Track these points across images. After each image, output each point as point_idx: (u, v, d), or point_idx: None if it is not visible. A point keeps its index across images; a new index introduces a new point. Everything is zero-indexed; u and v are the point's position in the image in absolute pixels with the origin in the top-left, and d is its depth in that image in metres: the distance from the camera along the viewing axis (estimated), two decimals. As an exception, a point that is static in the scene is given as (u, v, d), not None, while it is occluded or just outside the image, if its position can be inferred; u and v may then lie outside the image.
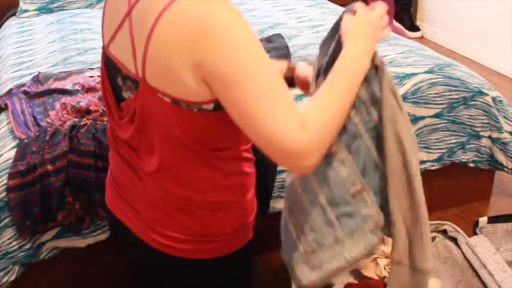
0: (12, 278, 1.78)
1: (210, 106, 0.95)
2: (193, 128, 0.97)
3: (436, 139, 2.23)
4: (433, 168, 2.27)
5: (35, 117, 1.85)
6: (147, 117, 0.99)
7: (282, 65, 1.33)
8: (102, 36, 1.10)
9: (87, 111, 1.84)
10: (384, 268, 1.91)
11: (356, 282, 1.95)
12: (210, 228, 1.09)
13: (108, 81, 1.09)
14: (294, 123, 0.89)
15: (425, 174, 2.28)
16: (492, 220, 2.08)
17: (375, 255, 1.98)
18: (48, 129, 1.78)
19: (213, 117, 0.96)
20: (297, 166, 0.93)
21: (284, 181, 2.05)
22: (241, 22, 0.90)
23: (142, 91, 0.96)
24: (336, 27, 1.15)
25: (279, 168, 2.02)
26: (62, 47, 2.55)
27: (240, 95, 0.88)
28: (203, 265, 1.12)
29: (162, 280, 1.19)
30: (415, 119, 2.16)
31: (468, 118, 2.25)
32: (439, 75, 2.21)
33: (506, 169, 2.31)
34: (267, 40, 2.48)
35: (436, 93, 2.18)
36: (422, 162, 2.25)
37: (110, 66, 1.07)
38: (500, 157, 2.28)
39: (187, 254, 1.10)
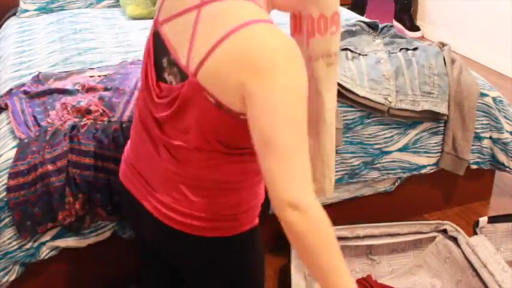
0: (12, 278, 1.78)
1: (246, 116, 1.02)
2: (226, 128, 1.05)
3: (435, 143, 2.23)
4: (432, 171, 2.27)
5: (35, 117, 1.85)
6: (187, 108, 1.06)
7: None
8: (158, 10, 1.12)
9: (87, 111, 1.84)
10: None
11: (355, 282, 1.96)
12: (223, 207, 1.15)
13: (153, 56, 1.13)
14: (305, 188, 0.95)
15: (426, 174, 2.28)
16: (492, 220, 2.08)
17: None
18: (49, 129, 1.78)
19: (243, 121, 1.03)
20: (281, 215, 0.96)
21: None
22: (301, 72, 0.97)
23: (190, 85, 1.03)
24: None
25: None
26: (61, 47, 2.55)
27: (271, 135, 0.94)
28: (215, 243, 1.17)
29: (172, 257, 1.23)
30: (414, 123, 2.16)
31: (468, 118, 2.25)
32: (439, 75, 2.21)
33: (508, 169, 2.30)
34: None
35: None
36: (423, 166, 2.25)
37: (158, 43, 1.12)
38: (502, 157, 2.28)
39: (191, 230, 1.15)
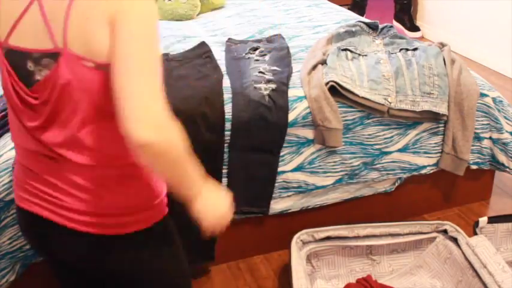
0: (12, 278, 1.78)
1: None
2: (108, 87, 1.02)
3: (435, 143, 2.23)
4: (432, 172, 2.27)
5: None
6: (69, 86, 1.04)
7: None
8: None
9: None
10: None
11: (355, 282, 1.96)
12: (130, 199, 1.14)
13: (14, 74, 1.11)
14: (158, 112, 0.98)
15: (425, 174, 2.28)
16: (492, 220, 2.08)
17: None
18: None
19: None
20: (133, 137, 0.97)
21: (284, 182, 2.05)
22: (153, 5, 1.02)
23: (65, 59, 1.03)
24: None
25: (279, 170, 2.02)
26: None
27: (130, 56, 0.98)
28: (130, 239, 1.15)
29: (97, 267, 1.19)
30: (414, 124, 2.16)
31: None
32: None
33: (508, 169, 2.30)
34: (268, 41, 2.48)
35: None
36: (423, 167, 2.25)
37: (14, 57, 1.10)
38: (502, 158, 2.28)
39: (111, 229, 1.13)
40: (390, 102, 2.07)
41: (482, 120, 2.25)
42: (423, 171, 2.25)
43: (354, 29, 2.42)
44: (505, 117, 2.27)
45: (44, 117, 1.10)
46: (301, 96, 2.04)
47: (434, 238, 2.03)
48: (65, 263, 1.23)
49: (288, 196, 2.09)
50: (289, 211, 2.12)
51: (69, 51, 1.02)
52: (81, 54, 1.02)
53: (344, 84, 2.03)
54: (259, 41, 2.50)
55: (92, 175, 1.11)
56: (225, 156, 1.95)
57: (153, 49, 1.00)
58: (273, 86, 2.02)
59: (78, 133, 1.08)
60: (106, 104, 1.04)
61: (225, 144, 1.95)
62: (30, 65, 1.09)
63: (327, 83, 2.03)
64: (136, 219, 1.15)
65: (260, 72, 2.11)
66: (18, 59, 1.10)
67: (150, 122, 0.96)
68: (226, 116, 1.94)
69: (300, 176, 2.06)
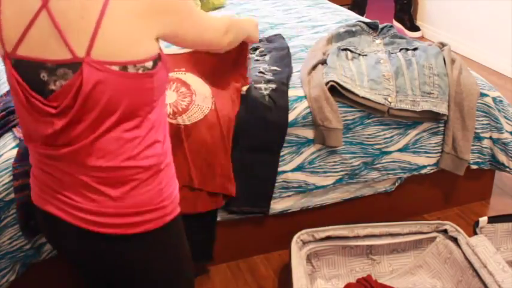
0: (12, 278, 1.78)
1: (150, 64, 1.09)
2: (135, 91, 1.08)
3: (435, 143, 2.23)
4: (432, 171, 2.27)
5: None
6: (94, 92, 1.04)
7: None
8: (3, 45, 1.09)
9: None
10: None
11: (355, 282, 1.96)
12: (139, 199, 1.14)
13: (25, 84, 1.09)
14: (221, 32, 1.39)
15: (426, 174, 2.28)
16: (492, 220, 2.08)
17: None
18: (49, 129, 1.79)
19: (149, 76, 1.09)
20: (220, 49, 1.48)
21: (284, 182, 2.05)
22: None
23: (88, 68, 1.03)
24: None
25: (279, 170, 2.02)
26: (62, 47, 2.55)
27: (192, 28, 1.22)
28: (139, 239, 1.16)
29: (102, 265, 1.20)
30: (414, 123, 2.16)
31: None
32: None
33: (508, 169, 2.30)
34: (268, 40, 2.48)
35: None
36: (423, 166, 2.25)
37: (25, 67, 1.09)
38: (502, 157, 2.28)
39: (121, 229, 1.14)
40: (390, 102, 2.07)
41: (482, 120, 2.25)
42: (423, 171, 2.25)
43: (354, 28, 2.42)
44: (505, 117, 2.27)
45: (61, 124, 1.09)
46: (301, 96, 2.04)
47: (434, 238, 2.03)
48: (79, 262, 1.25)
49: (288, 196, 2.09)
50: (289, 211, 2.12)
51: (92, 59, 1.03)
52: (106, 59, 1.04)
53: (344, 84, 2.03)
54: (259, 40, 2.49)
55: (103, 176, 1.12)
56: (225, 156, 1.95)
57: (198, 14, 1.24)
58: (273, 86, 2.02)
59: (101, 138, 1.09)
60: (131, 104, 1.08)
61: (225, 144, 1.94)
62: (43, 75, 1.07)
63: (327, 83, 2.03)
64: (146, 219, 1.16)
65: (260, 72, 2.12)
66: (29, 69, 1.08)
67: (225, 38, 1.41)
68: (226, 116, 1.94)
69: (300, 176, 2.06)
